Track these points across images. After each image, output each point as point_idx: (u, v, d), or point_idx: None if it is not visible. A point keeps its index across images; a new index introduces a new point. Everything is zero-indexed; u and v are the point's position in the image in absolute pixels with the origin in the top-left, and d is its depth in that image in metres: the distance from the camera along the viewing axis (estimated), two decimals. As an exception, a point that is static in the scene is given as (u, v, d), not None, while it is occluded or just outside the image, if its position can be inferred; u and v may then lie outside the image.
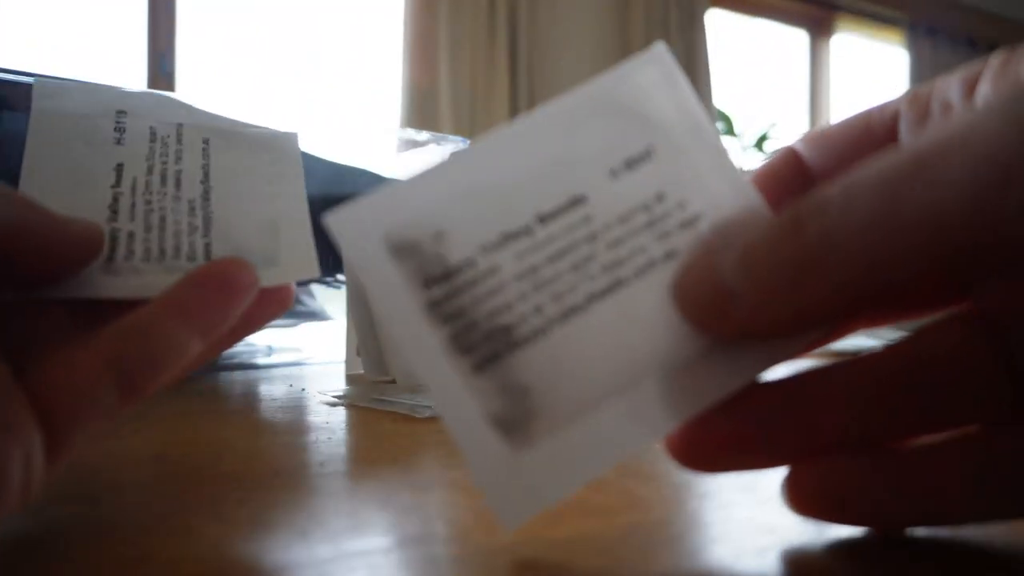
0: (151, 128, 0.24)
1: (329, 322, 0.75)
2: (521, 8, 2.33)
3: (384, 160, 0.53)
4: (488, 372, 0.16)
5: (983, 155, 0.13)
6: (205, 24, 2.05)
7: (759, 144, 1.49)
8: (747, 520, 0.19)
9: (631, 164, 0.18)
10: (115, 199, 0.22)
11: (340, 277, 0.49)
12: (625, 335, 0.16)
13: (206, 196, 0.23)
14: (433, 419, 0.33)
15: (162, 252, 0.21)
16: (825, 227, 0.14)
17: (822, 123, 3.23)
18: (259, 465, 0.25)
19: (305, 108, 2.12)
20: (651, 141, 0.18)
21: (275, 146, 0.25)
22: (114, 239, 0.21)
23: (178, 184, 0.23)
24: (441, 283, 0.16)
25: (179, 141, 0.24)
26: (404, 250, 0.16)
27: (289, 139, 0.26)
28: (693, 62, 2.66)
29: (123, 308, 0.20)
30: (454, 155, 0.18)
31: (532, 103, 2.35)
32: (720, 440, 0.17)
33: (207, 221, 0.22)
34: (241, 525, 0.19)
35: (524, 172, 0.17)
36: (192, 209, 0.23)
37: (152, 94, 0.25)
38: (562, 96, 0.18)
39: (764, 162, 0.21)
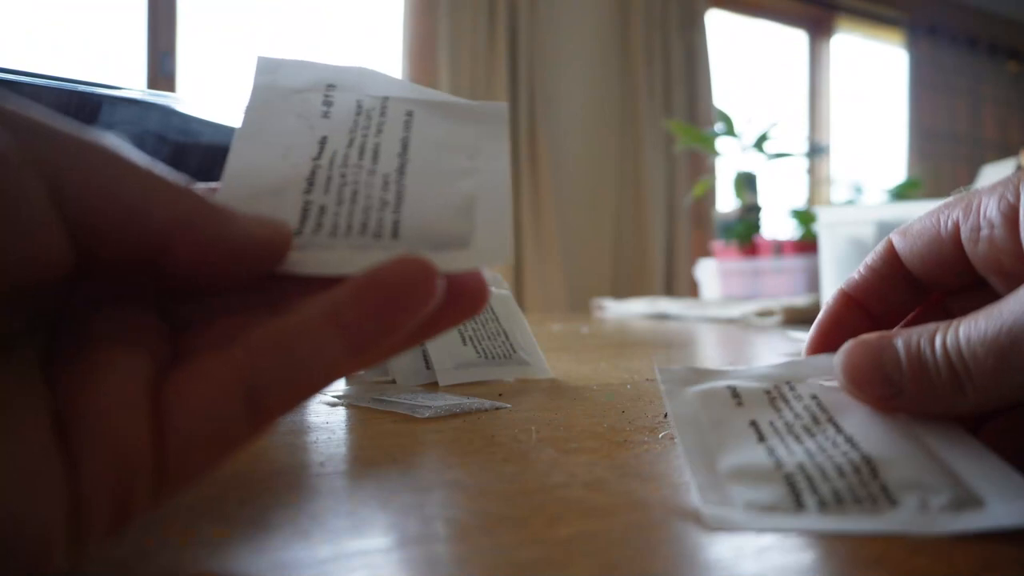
0: (358, 101, 0.23)
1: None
2: (521, 8, 2.33)
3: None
4: None
5: None
6: (205, 24, 2.05)
7: (759, 144, 1.49)
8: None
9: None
10: (313, 172, 0.21)
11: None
12: None
13: (401, 170, 0.21)
14: (433, 419, 0.33)
15: (349, 228, 0.20)
16: (970, 379, 0.20)
17: (822, 123, 3.23)
18: (259, 465, 0.25)
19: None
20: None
21: (481, 118, 0.24)
22: (305, 211, 0.20)
23: (375, 157, 0.22)
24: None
25: (383, 114, 0.23)
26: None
27: (497, 112, 0.24)
28: (693, 62, 2.66)
29: (307, 284, 0.18)
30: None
31: (532, 103, 2.36)
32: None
33: (399, 197, 0.21)
34: (242, 525, 0.19)
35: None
36: (386, 183, 0.21)
37: (363, 70, 0.25)
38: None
39: (873, 255, 0.27)
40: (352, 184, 0.21)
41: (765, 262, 1.32)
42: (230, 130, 0.38)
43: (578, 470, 0.24)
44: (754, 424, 0.23)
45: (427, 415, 0.33)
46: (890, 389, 0.22)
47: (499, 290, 0.50)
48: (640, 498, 0.21)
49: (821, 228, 1.02)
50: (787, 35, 3.15)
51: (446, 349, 0.44)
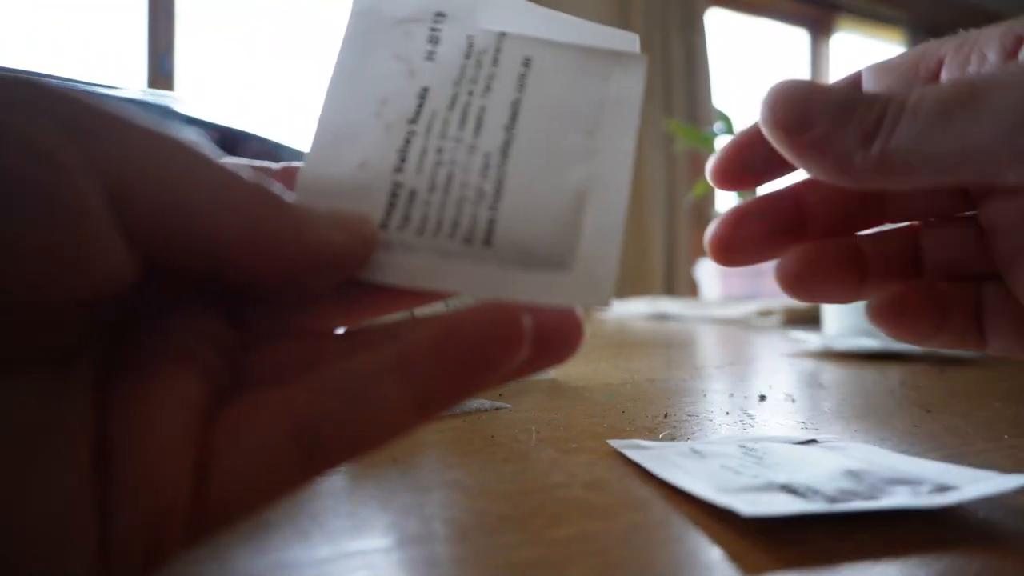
0: (469, 38, 0.19)
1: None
2: (521, 8, 2.33)
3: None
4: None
5: (1012, 106, 0.17)
6: (204, 24, 2.05)
7: (759, 144, 1.49)
8: (747, 520, 0.19)
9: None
10: (407, 140, 0.18)
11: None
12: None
13: (505, 150, 0.18)
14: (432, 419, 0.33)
15: (439, 225, 0.17)
16: (893, 129, 0.18)
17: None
18: (259, 465, 0.25)
19: (305, 108, 2.12)
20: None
21: (615, 69, 0.19)
22: (394, 196, 0.17)
23: (478, 128, 0.18)
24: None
25: (495, 61, 0.19)
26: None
27: (634, 65, 0.20)
28: (693, 62, 2.66)
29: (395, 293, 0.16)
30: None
31: (532, 103, 2.35)
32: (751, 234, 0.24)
33: (498, 187, 0.17)
34: (241, 525, 0.19)
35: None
36: (486, 167, 0.17)
37: None
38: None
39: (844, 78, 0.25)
40: (448, 164, 0.17)
41: (765, 262, 1.32)
42: (229, 130, 0.38)
43: (578, 470, 0.24)
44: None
45: (427, 415, 0.33)
46: (801, 118, 0.19)
47: None
48: (640, 498, 0.21)
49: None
50: (787, 34, 3.15)
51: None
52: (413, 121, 0.18)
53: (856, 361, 0.56)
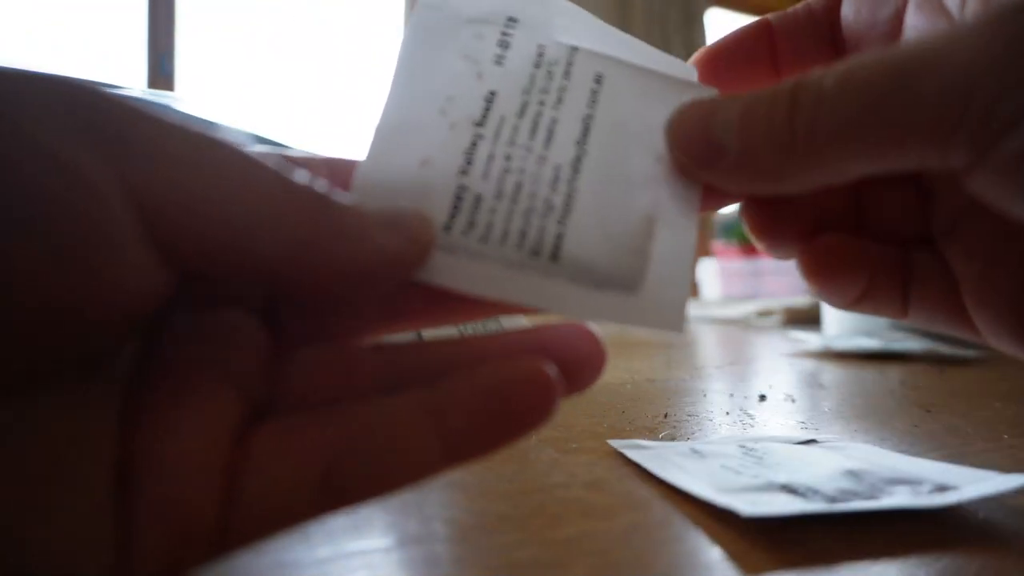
0: (539, 47, 0.19)
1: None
2: (521, 8, 2.34)
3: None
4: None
5: (950, 86, 0.14)
6: (205, 24, 2.05)
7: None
8: (747, 520, 0.19)
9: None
10: (474, 143, 0.17)
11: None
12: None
13: (576, 165, 0.18)
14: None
15: (505, 235, 0.16)
16: (816, 112, 0.16)
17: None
18: (259, 465, 0.25)
19: (305, 108, 2.12)
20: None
21: (684, 94, 0.20)
22: (458, 199, 0.16)
23: (549, 139, 0.18)
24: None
25: (567, 74, 0.19)
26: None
27: (705, 96, 0.20)
28: (693, 62, 2.66)
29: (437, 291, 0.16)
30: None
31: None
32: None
33: (568, 202, 0.17)
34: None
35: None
36: (555, 180, 0.17)
37: (552, 1, 0.20)
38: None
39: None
40: (517, 172, 0.17)
41: (765, 262, 1.32)
42: (229, 130, 0.38)
43: (578, 470, 0.24)
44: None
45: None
46: (710, 151, 0.18)
47: None
48: (640, 498, 0.21)
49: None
50: (787, 35, 3.15)
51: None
52: (480, 124, 0.18)
53: (856, 361, 0.56)
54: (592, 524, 0.19)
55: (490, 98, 0.18)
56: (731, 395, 0.40)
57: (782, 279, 1.28)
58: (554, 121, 0.18)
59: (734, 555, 0.17)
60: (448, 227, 0.16)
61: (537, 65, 0.19)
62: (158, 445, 0.14)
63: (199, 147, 0.13)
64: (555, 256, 0.16)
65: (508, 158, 0.17)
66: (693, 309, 1.15)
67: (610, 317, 0.16)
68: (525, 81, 0.18)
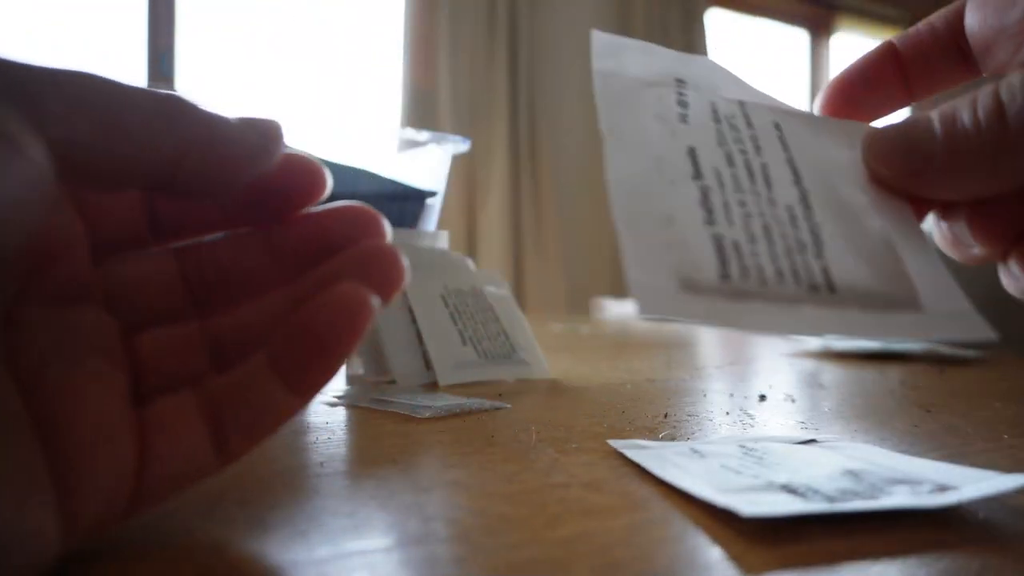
0: (712, 104, 0.20)
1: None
2: (521, 8, 2.33)
3: (384, 160, 0.53)
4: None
5: None
6: (205, 24, 2.05)
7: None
8: (747, 520, 0.19)
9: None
10: (704, 195, 0.18)
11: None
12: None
13: (805, 203, 0.18)
14: (433, 419, 0.33)
15: (779, 274, 0.17)
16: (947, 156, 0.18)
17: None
18: (259, 465, 0.25)
19: (305, 108, 2.12)
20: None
21: (855, 144, 0.21)
22: (720, 249, 0.17)
23: (768, 182, 0.18)
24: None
25: (749, 124, 0.20)
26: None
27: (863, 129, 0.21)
28: (693, 62, 2.66)
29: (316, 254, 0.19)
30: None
31: (532, 103, 2.35)
32: None
33: (815, 237, 0.18)
34: (241, 525, 0.19)
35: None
36: (793, 219, 0.18)
37: (703, 60, 0.21)
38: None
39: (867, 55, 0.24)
40: (758, 216, 0.18)
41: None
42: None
43: (578, 470, 0.24)
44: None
45: (427, 415, 0.33)
46: (917, 159, 0.19)
47: (499, 290, 0.50)
48: (640, 498, 0.21)
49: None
50: (787, 34, 3.15)
51: (446, 349, 0.44)
52: (697, 177, 0.18)
53: (856, 361, 0.56)
54: (592, 524, 0.19)
55: (692, 153, 0.19)
56: (731, 395, 0.40)
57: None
58: (764, 166, 0.19)
59: (734, 555, 0.17)
60: (726, 275, 0.16)
61: (716, 120, 0.20)
62: (68, 405, 0.16)
63: (104, 94, 0.16)
64: (832, 287, 0.17)
65: (743, 204, 0.18)
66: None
67: (917, 334, 0.16)
68: (714, 134, 0.19)
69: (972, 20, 0.22)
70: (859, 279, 0.17)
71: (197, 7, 2.03)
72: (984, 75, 0.23)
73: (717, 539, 0.18)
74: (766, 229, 0.17)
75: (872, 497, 0.19)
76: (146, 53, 1.96)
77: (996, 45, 0.21)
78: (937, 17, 0.23)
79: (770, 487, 0.20)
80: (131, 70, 1.94)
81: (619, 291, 2.34)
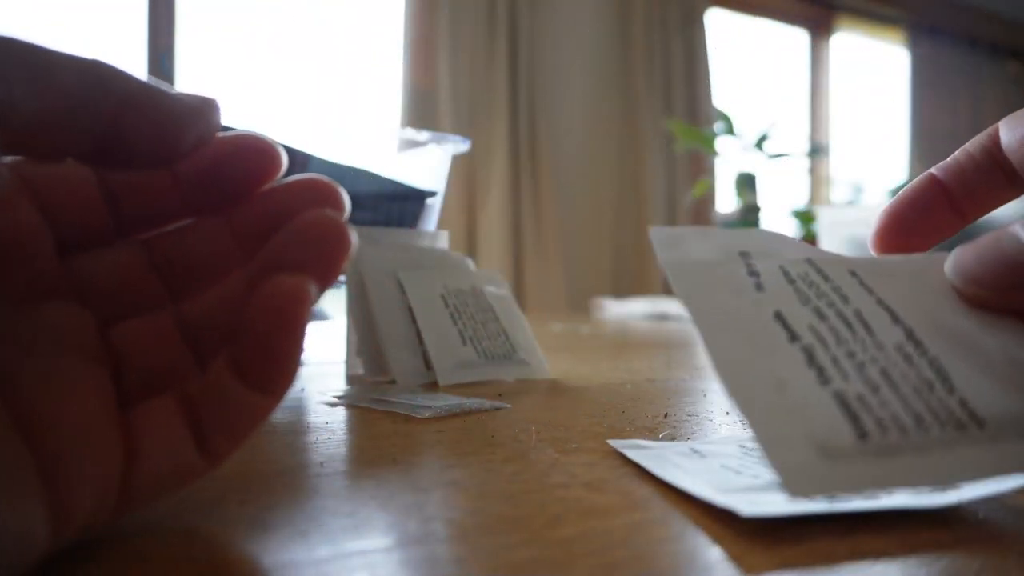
0: (780, 267, 0.20)
1: (328, 322, 0.75)
2: (521, 8, 2.33)
3: (384, 160, 0.53)
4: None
5: None
6: (205, 24, 2.05)
7: (759, 144, 1.49)
8: (747, 520, 0.19)
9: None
10: (810, 355, 0.18)
11: (340, 277, 0.49)
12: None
13: (912, 339, 0.18)
14: (433, 419, 0.33)
15: (918, 419, 0.16)
16: None
17: (822, 123, 3.23)
18: (259, 465, 0.25)
19: (305, 108, 2.12)
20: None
21: (929, 268, 0.21)
22: (845, 406, 0.16)
23: (868, 329, 0.18)
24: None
25: (825, 278, 0.20)
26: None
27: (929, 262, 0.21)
28: (693, 62, 2.66)
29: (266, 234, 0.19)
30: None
31: (532, 103, 2.35)
32: None
33: (939, 372, 0.17)
34: (241, 525, 0.19)
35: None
36: (907, 357, 0.18)
37: (756, 231, 0.22)
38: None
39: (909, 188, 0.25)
40: (871, 363, 0.17)
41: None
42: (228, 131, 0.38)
43: (578, 470, 0.24)
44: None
45: (427, 415, 0.33)
46: (1015, 275, 0.19)
47: (499, 290, 0.50)
48: (640, 498, 0.21)
49: (821, 228, 1.02)
50: (787, 34, 3.15)
51: (446, 349, 0.44)
52: (795, 339, 0.18)
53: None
54: (592, 524, 0.19)
55: (780, 316, 0.19)
56: (731, 395, 0.40)
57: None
58: (858, 312, 0.19)
59: (734, 555, 0.17)
60: (863, 434, 0.16)
61: (790, 281, 0.20)
62: (52, 404, 0.16)
63: (31, 54, 0.16)
64: (979, 422, 0.16)
65: (851, 355, 0.17)
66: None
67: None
68: (792, 294, 0.19)
69: (1009, 141, 0.23)
70: (1004, 407, 0.16)
71: (197, 7, 2.03)
72: None
73: (717, 539, 0.18)
74: (884, 374, 0.17)
75: (872, 497, 0.19)
76: (146, 53, 1.96)
77: None
78: (973, 145, 0.24)
79: (770, 487, 0.20)
80: (131, 70, 1.94)
81: (619, 291, 2.34)
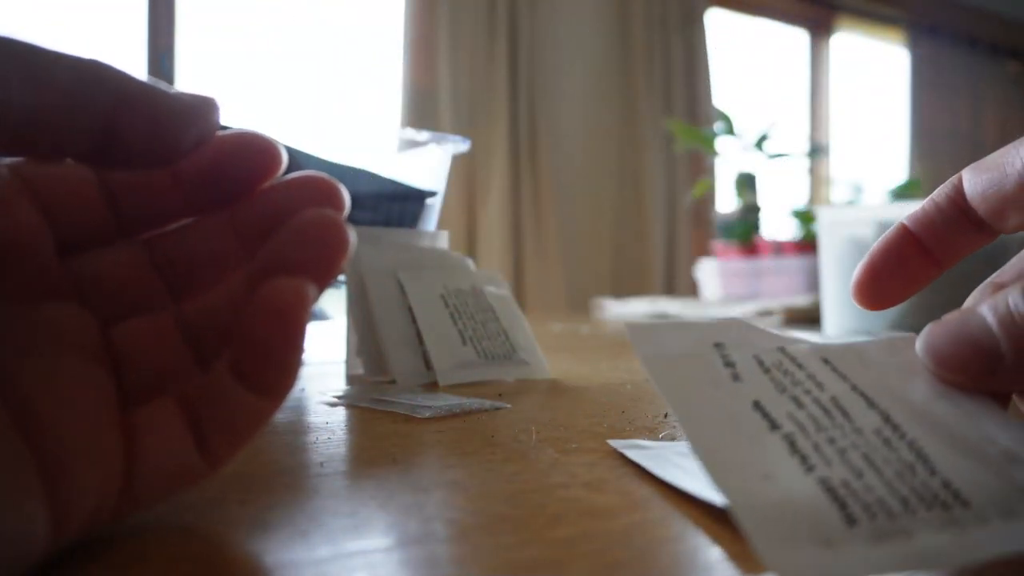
0: (755, 357, 0.21)
1: (328, 322, 0.75)
2: (521, 8, 2.33)
3: (384, 160, 0.53)
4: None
5: None
6: (205, 24, 2.05)
7: (759, 144, 1.49)
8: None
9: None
10: (791, 443, 0.18)
11: (339, 277, 0.49)
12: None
13: (890, 422, 0.19)
14: (433, 419, 0.33)
15: (904, 502, 0.16)
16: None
17: (822, 123, 3.23)
18: (259, 465, 0.25)
19: (305, 108, 2.12)
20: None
21: (898, 351, 0.22)
22: (831, 491, 0.16)
23: (845, 415, 0.19)
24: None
25: (800, 366, 0.21)
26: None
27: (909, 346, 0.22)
28: (693, 62, 2.66)
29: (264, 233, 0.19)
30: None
31: (532, 103, 2.35)
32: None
33: (920, 454, 0.17)
34: (241, 525, 0.19)
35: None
36: (886, 441, 0.18)
37: (729, 322, 0.22)
38: None
39: (883, 240, 0.26)
40: (852, 448, 0.17)
41: (765, 262, 1.32)
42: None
43: (578, 470, 0.24)
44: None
45: (427, 415, 0.33)
46: (986, 361, 0.19)
47: (499, 290, 0.50)
48: (640, 498, 0.21)
49: (821, 228, 1.02)
50: (787, 34, 3.15)
51: (446, 349, 0.44)
52: (776, 428, 0.18)
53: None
54: (592, 524, 0.19)
55: (758, 406, 0.19)
56: (731, 395, 0.40)
57: (782, 279, 1.28)
58: (834, 399, 0.19)
59: (734, 555, 0.17)
60: (851, 520, 0.16)
61: (766, 370, 0.20)
62: (53, 404, 0.16)
63: (28, 53, 0.16)
64: (963, 502, 0.16)
65: (831, 440, 0.18)
66: (693, 309, 1.15)
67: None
68: (769, 383, 0.20)
69: (971, 191, 0.23)
70: (984, 490, 0.16)
71: (197, 7, 2.03)
72: (1001, 235, 0.24)
73: (717, 539, 0.18)
74: (867, 459, 0.17)
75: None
76: (146, 53, 1.96)
77: (1005, 212, 0.22)
78: (939, 195, 0.24)
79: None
80: (131, 70, 1.94)
81: (619, 291, 2.34)
